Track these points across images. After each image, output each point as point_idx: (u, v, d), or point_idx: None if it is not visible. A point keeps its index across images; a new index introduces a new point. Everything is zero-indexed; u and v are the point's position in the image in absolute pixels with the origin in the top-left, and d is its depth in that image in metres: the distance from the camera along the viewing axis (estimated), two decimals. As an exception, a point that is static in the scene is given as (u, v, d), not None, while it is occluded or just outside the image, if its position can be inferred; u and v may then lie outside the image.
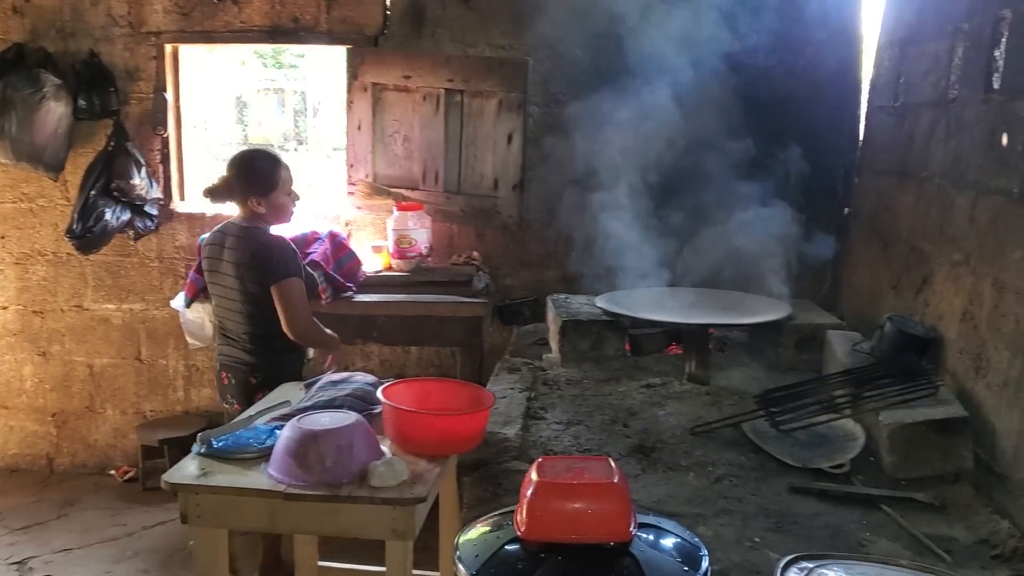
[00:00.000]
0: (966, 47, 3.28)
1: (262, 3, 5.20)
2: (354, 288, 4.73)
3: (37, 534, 5.02)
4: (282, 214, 3.82)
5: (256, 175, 3.75)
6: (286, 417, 2.86)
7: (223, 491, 2.55)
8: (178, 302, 4.77)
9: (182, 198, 5.58)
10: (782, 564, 1.85)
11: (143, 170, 5.26)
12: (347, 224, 5.27)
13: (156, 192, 5.37)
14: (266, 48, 6.76)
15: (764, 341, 4.07)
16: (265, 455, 2.67)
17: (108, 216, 5.16)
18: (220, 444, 2.73)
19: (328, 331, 3.92)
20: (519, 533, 1.73)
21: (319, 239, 4.71)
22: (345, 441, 2.54)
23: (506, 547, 1.75)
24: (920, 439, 2.78)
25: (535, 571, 1.66)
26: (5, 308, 5.76)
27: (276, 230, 3.87)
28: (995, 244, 2.88)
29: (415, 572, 2.63)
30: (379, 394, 2.81)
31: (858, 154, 4.70)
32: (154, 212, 5.41)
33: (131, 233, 5.41)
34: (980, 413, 2.85)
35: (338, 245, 4.77)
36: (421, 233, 4.88)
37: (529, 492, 1.69)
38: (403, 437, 2.73)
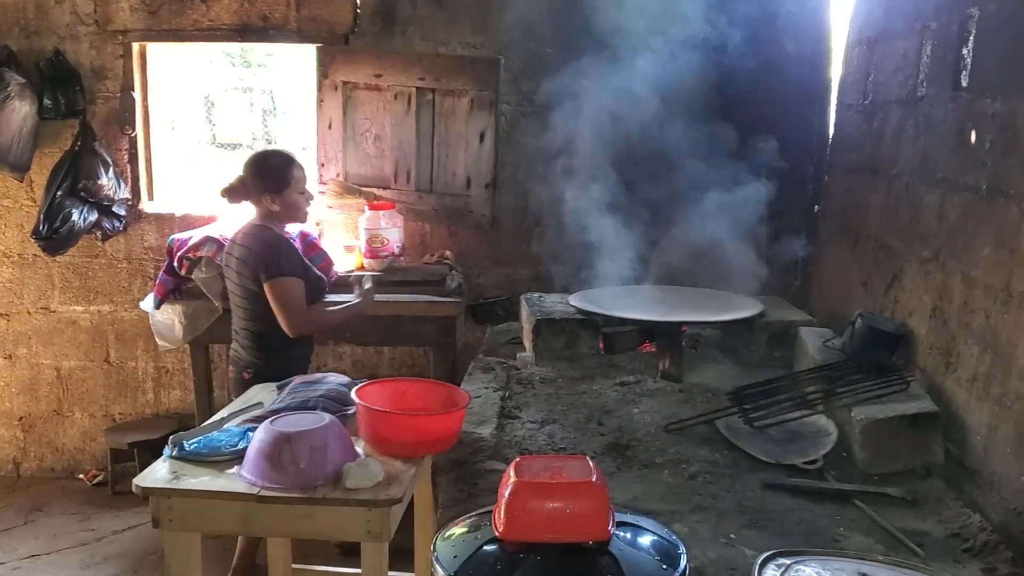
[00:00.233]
0: (934, 45, 3.30)
1: (231, 1, 5.14)
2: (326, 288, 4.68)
3: (3, 540, 4.93)
4: (296, 212, 3.84)
5: (269, 173, 3.77)
6: (259, 419, 2.83)
7: (195, 494, 2.52)
8: (147, 303, 4.72)
9: (151, 198, 5.52)
10: (759, 561, 1.86)
11: (111, 170, 5.19)
12: (318, 224, 5.23)
13: (124, 192, 5.30)
14: (235, 47, 6.70)
15: (736, 338, 4.09)
16: (238, 457, 2.64)
17: (75, 217, 5.09)
18: (192, 447, 2.70)
19: (334, 314, 3.90)
20: (497, 533, 1.72)
21: (290, 239, 4.66)
22: (319, 442, 2.52)
23: (484, 548, 1.74)
24: (892, 434, 2.81)
25: (514, 571, 1.66)
26: (-30, 311, 5.67)
27: (292, 229, 3.92)
28: (964, 240, 2.91)
29: (391, 574, 2.62)
30: (353, 395, 2.79)
31: (828, 152, 4.73)
32: (122, 212, 5.34)
33: (99, 234, 5.34)
34: (950, 408, 2.88)
35: (309, 245, 4.72)
36: (393, 232, 4.85)
37: (507, 492, 1.69)
38: (378, 438, 2.71)
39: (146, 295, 4.86)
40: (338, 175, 5.10)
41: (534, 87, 5.05)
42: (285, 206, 3.78)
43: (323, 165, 5.11)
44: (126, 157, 5.38)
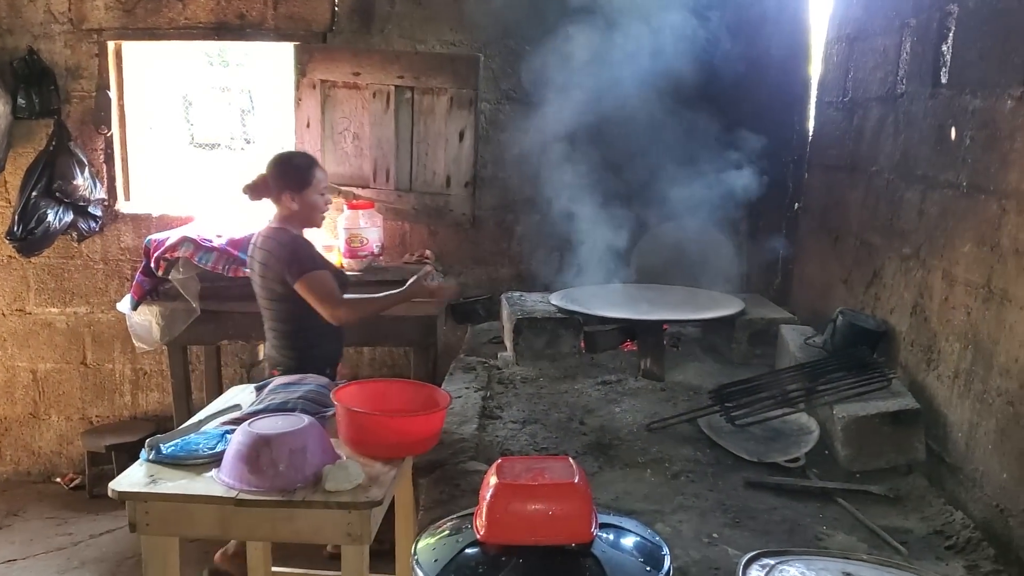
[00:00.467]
0: (914, 42, 3.31)
1: (207, -1, 5.11)
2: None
3: (-21, 545, 4.87)
4: (314, 214, 3.81)
5: (291, 171, 3.76)
6: (237, 421, 2.80)
7: (172, 498, 2.49)
8: (124, 305, 4.67)
9: (127, 198, 5.46)
10: (743, 562, 1.84)
11: (86, 170, 5.13)
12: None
13: (100, 193, 5.23)
14: (213, 47, 6.65)
15: (718, 336, 4.09)
16: (216, 460, 2.60)
17: (50, 218, 5.02)
18: (169, 450, 2.66)
19: (374, 299, 3.80)
20: (479, 536, 1.70)
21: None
22: (298, 445, 2.49)
23: (466, 551, 1.72)
24: (873, 432, 2.81)
25: (496, 575, 1.64)
26: (-56, 313, 5.60)
27: (308, 234, 3.88)
28: (944, 237, 2.92)
29: (371, 576, 2.60)
30: (332, 396, 2.76)
31: (808, 149, 4.74)
32: (98, 213, 5.27)
33: (74, 235, 5.27)
34: (932, 405, 2.89)
35: (288, 245, 4.68)
36: (372, 232, 4.82)
37: (488, 494, 1.67)
38: (357, 439, 2.68)
39: (123, 296, 4.80)
40: (317, 174, 5.05)
41: (514, 85, 5.03)
42: (304, 206, 3.75)
43: (301, 165, 5.05)
44: (102, 157, 5.31)
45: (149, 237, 4.63)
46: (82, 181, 5.08)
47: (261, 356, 5.46)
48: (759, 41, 4.64)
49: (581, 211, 4.33)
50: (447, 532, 1.82)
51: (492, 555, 1.69)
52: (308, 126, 5.01)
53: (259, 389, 3.20)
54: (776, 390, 3.16)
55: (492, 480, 1.69)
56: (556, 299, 4.05)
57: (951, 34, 3.01)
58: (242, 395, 3.29)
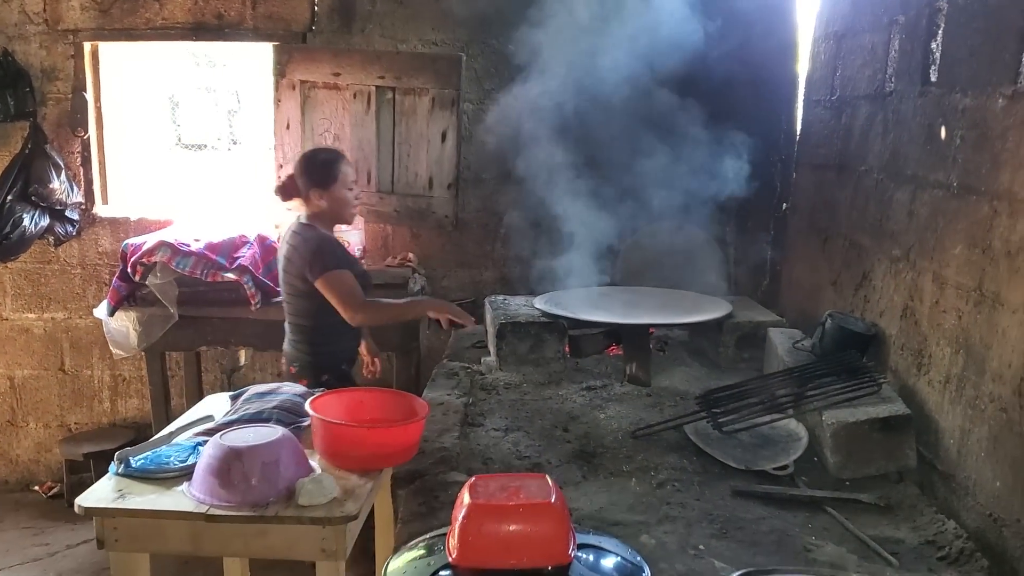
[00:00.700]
0: (903, 39, 3.28)
1: (185, -1, 5.03)
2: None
3: (-46, 557, 4.78)
4: (343, 210, 3.77)
5: (317, 168, 3.73)
6: (211, 432, 2.72)
7: (141, 514, 2.41)
8: (101, 310, 4.59)
9: (105, 202, 5.37)
10: (730, 581, 1.78)
11: (63, 173, 5.04)
12: (277, 227, 5.10)
13: (77, 196, 5.15)
14: (199, 47, 6.60)
15: (705, 340, 4.05)
16: (187, 474, 2.53)
17: (26, 222, 4.93)
18: (139, 463, 2.58)
19: (395, 304, 3.78)
20: (451, 559, 1.62)
21: (247, 243, 4.55)
22: (271, 457, 2.42)
23: (439, 574, 1.65)
24: (863, 438, 2.77)
25: (469, 600, 1.56)
26: (-81, 319, 5.50)
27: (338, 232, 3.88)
28: (935, 239, 2.88)
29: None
30: (307, 407, 2.68)
31: (795, 148, 4.70)
32: (75, 217, 5.19)
33: (51, 239, 5.19)
34: (923, 411, 2.85)
35: (267, 248, 4.62)
36: (354, 235, 4.76)
37: (461, 515, 1.59)
38: (333, 451, 2.61)
39: (101, 301, 4.71)
40: (297, 176, 4.97)
41: (497, 85, 4.96)
42: (333, 202, 3.71)
43: (281, 167, 4.99)
44: (79, 160, 5.23)
45: (126, 241, 4.56)
46: (58, 184, 5.00)
47: (242, 361, 5.39)
48: (746, 39, 4.57)
49: (567, 213, 4.27)
50: (419, 554, 1.74)
51: (465, 578, 1.62)
52: (288, 128, 4.93)
53: (234, 398, 3.11)
54: (764, 395, 3.12)
55: (465, 499, 1.62)
56: (540, 303, 4.00)
57: (940, 31, 2.97)
58: (217, 404, 3.21)
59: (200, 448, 2.61)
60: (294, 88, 4.89)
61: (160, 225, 5.03)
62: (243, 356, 5.38)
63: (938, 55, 2.98)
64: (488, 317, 4.14)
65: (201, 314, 4.52)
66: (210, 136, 7.82)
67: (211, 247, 4.44)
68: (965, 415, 2.59)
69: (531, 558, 1.59)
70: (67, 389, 5.54)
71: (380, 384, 4.00)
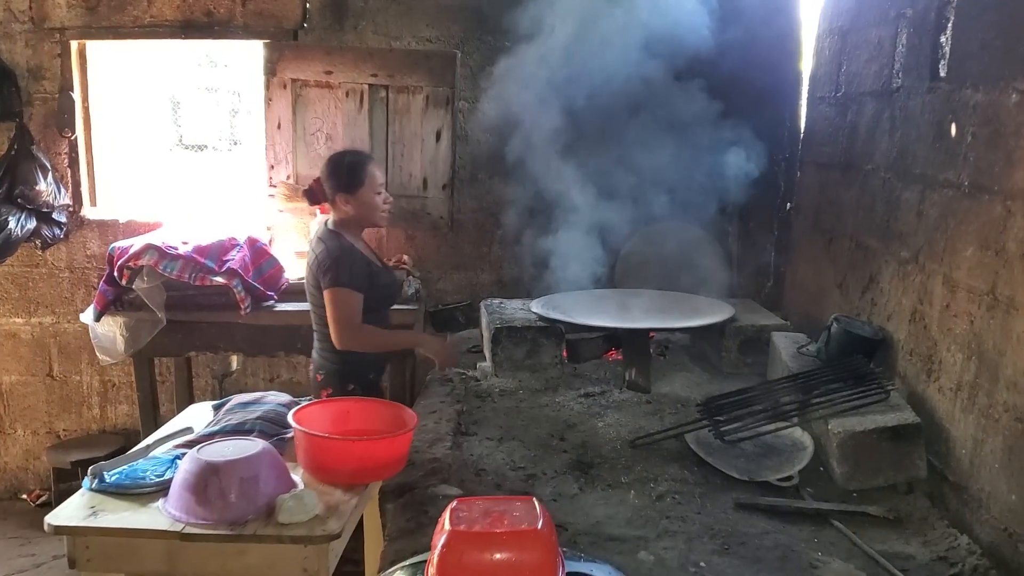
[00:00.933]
0: (910, 33, 3.20)
1: (173, -4, 4.94)
2: (275, 297, 4.50)
3: (-61, 568, 4.68)
4: (371, 214, 3.65)
5: (342, 171, 3.60)
6: (192, 444, 2.62)
7: (114, 532, 2.31)
8: (87, 315, 4.49)
9: (93, 204, 5.27)
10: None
11: (49, 175, 4.93)
12: (268, 228, 5.02)
13: (64, 198, 5.04)
14: (193, 46, 6.52)
15: (707, 344, 3.99)
16: (164, 489, 2.43)
17: (12, 225, 4.82)
18: (113, 478, 2.48)
19: (388, 337, 3.73)
20: (430, 589, 1.51)
21: (237, 246, 4.45)
22: (249, 473, 2.32)
23: (418, 604, 1.54)
24: (871, 448, 2.70)
25: (449, 634, 1.45)
26: (-96, 325, 5.40)
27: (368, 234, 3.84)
28: (945, 240, 2.80)
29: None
30: (290, 418, 2.57)
31: (799, 147, 4.62)
32: (63, 220, 5.08)
33: (38, 242, 5.07)
34: (933, 419, 2.77)
35: (258, 251, 4.51)
36: (348, 237, 4.65)
37: (440, 543, 1.48)
38: (316, 465, 2.50)
39: (89, 306, 4.61)
40: (288, 177, 4.89)
41: (492, 83, 4.85)
42: (360, 206, 3.59)
43: (272, 167, 4.89)
44: (66, 161, 5.12)
45: (113, 244, 4.46)
46: (45, 186, 4.89)
47: (234, 367, 5.29)
48: (747, 35, 4.47)
49: (565, 213, 4.21)
50: (399, 581, 1.64)
51: (446, 609, 1.50)
52: (279, 127, 4.84)
53: (217, 408, 3.02)
54: (768, 403, 3.04)
55: (445, 526, 1.50)
56: (537, 306, 3.92)
57: (950, 24, 2.89)
58: (199, 414, 3.11)
59: (178, 462, 2.50)
60: (285, 87, 4.79)
61: (150, 227, 4.92)
62: (235, 361, 5.28)
63: (948, 49, 2.89)
64: (483, 321, 4.05)
65: (190, 319, 4.42)
66: (211, 137, 7.76)
67: (199, 250, 4.34)
68: (978, 424, 2.50)
69: (516, 589, 1.48)
70: (55, 395, 5.44)
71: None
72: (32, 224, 4.94)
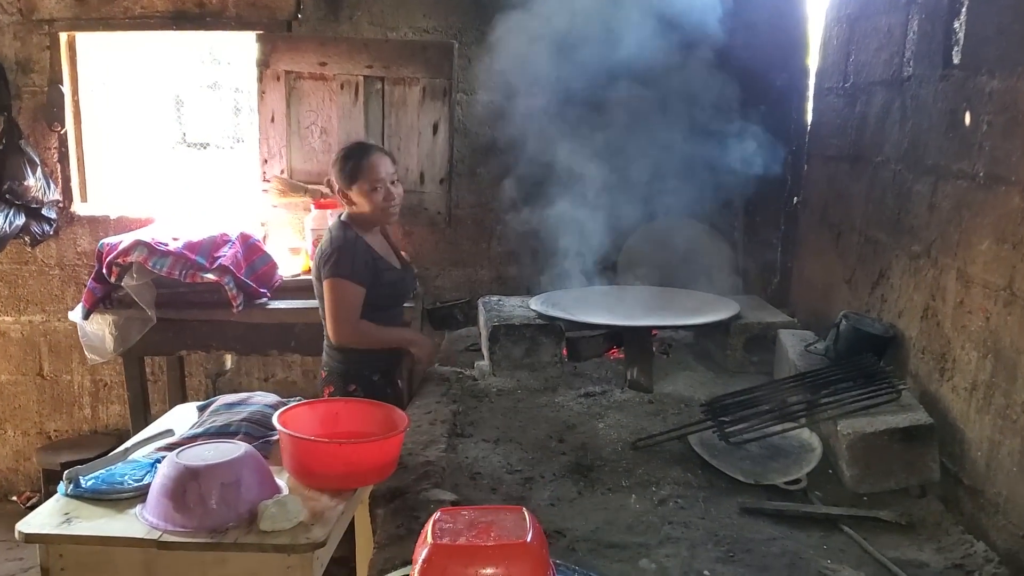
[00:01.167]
0: (922, 20, 3.11)
1: (164, -14, 4.86)
2: (268, 294, 4.42)
3: (-76, 572, 4.58)
4: (372, 210, 3.54)
5: (342, 164, 3.53)
6: (173, 447, 2.51)
7: (88, 540, 2.21)
8: (76, 314, 4.41)
9: (83, 199, 5.19)
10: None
11: (39, 170, 4.85)
12: (262, 224, 4.93)
13: (54, 194, 4.97)
14: (201, 44, 6.49)
15: (711, 342, 3.90)
16: (142, 494, 2.32)
17: (0, 221, 4.74)
18: (89, 483, 2.38)
19: (384, 333, 3.61)
20: (412, 607, 1.41)
21: (229, 242, 4.35)
22: (230, 478, 2.21)
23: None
24: (882, 450, 2.61)
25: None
26: None
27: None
28: (959, 233, 2.71)
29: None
30: (275, 420, 2.46)
31: (806, 139, 4.53)
32: (52, 216, 5.01)
33: (27, 239, 5.00)
34: (946, 419, 2.69)
35: (251, 247, 4.43)
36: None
37: (422, 557, 1.37)
38: (302, 469, 2.40)
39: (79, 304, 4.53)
40: (282, 172, 4.82)
41: (491, 74, 4.77)
42: (363, 200, 3.51)
43: (266, 161, 4.82)
44: (56, 156, 5.05)
45: (102, 241, 4.38)
46: (34, 182, 4.81)
47: (227, 366, 5.21)
48: (752, 25, 4.41)
49: (565, 208, 4.13)
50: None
51: (431, 628, 1.39)
52: (272, 120, 4.76)
53: (201, 409, 2.91)
54: (774, 403, 2.95)
55: (428, 538, 1.39)
56: (536, 304, 3.84)
57: (964, 8, 2.79)
58: (183, 416, 3.01)
59: (158, 466, 2.40)
60: (279, 79, 4.71)
61: (141, 224, 4.86)
62: (229, 360, 5.19)
63: (961, 35, 2.79)
64: (481, 319, 3.96)
65: (181, 317, 4.34)
66: (214, 134, 7.71)
67: (190, 246, 4.25)
68: (995, 425, 2.40)
69: (504, 607, 1.38)
70: (46, 395, 5.37)
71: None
72: (21, 220, 4.87)
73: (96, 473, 2.42)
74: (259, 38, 4.76)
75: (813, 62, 4.47)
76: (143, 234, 4.34)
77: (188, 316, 4.34)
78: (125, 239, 4.28)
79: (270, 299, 4.42)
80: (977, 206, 2.59)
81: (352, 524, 2.82)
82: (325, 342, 3.66)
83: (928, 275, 2.89)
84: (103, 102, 5.32)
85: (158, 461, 2.45)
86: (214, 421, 2.69)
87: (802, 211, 4.52)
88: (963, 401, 2.59)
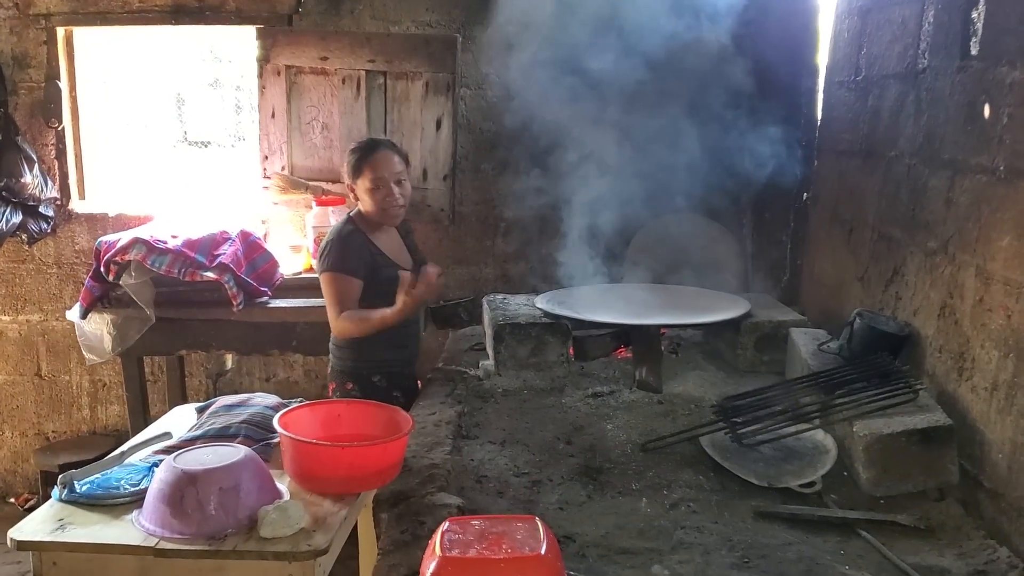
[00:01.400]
0: (938, 10, 3.04)
1: (163, -19, 4.80)
2: (269, 293, 4.37)
3: (-80, 575, 4.52)
4: (372, 208, 3.51)
5: (349, 158, 3.54)
6: (171, 450, 2.45)
7: (82, 548, 2.15)
8: (74, 313, 4.35)
9: (81, 197, 5.13)
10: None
11: (35, 167, 4.79)
12: (263, 222, 4.87)
13: (52, 191, 4.90)
14: (202, 43, 6.47)
15: (721, 341, 3.84)
16: (139, 499, 2.26)
17: (-4, 219, 4.69)
18: (84, 488, 2.31)
19: (381, 316, 3.45)
20: (420, 623, 1.34)
21: (229, 240, 4.29)
22: (229, 482, 2.15)
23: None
24: (900, 451, 2.55)
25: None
26: None
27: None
28: (978, 229, 2.64)
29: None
30: (275, 422, 2.39)
31: (817, 134, 4.47)
32: (50, 213, 4.95)
33: (25, 237, 4.94)
34: (966, 420, 2.62)
35: (251, 245, 4.37)
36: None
37: (430, 571, 1.29)
38: (304, 473, 2.34)
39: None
40: (283, 168, 4.77)
41: (495, 68, 4.71)
42: (364, 196, 3.51)
43: (267, 157, 4.77)
44: (53, 152, 4.99)
45: (100, 239, 4.33)
46: (31, 179, 4.75)
47: (228, 365, 5.15)
48: (762, 18, 4.34)
49: (572, 205, 4.10)
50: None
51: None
52: (273, 116, 4.70)
53: (200, 411, 2.85)
54: (788, 403, 2.89)
55: (436, 550, 1.32)
56: (542, 302, 3.78)
57: None
58: (182, 418, 2.94)
59: (156, 470, 2.33)
60: (279, 74, 4.65)
61: (140, 221, 4.81)
62: (230, 360, 5.13)
63: (980, 25, 2.72)
64: (486, 318, 3.90)
65: (180, 316, 4.29)
66: (215, 132, 7.69)
67: (189, 244, 4.19)
68: (1017, 427, 2.34)
69: (517, 623, 1.31)
70: (44, 395, 5.32)
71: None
72: (18, 218, 4.80)
73: (91, 477, 2.35)
74: (259, 32, 4.71)
75: (823, 56, 4.41)
76: (142, 232, 4.29)
77: (188, 315, 4.29)
78: (123, 237, 4.23)
79: (271, 298, 4.37)
80: (997, 201, 2.52)
81: (355, 530, 2.75)
82: (331, 341, 3.64)
83: (945, 272, 2.82)
84: (103, 100, 5.26)
85: (155, 465, 2.39)
86: (213, 423, 2.62)
87: (812, 207, 4.46)
88: (983, 401, 2.53)
